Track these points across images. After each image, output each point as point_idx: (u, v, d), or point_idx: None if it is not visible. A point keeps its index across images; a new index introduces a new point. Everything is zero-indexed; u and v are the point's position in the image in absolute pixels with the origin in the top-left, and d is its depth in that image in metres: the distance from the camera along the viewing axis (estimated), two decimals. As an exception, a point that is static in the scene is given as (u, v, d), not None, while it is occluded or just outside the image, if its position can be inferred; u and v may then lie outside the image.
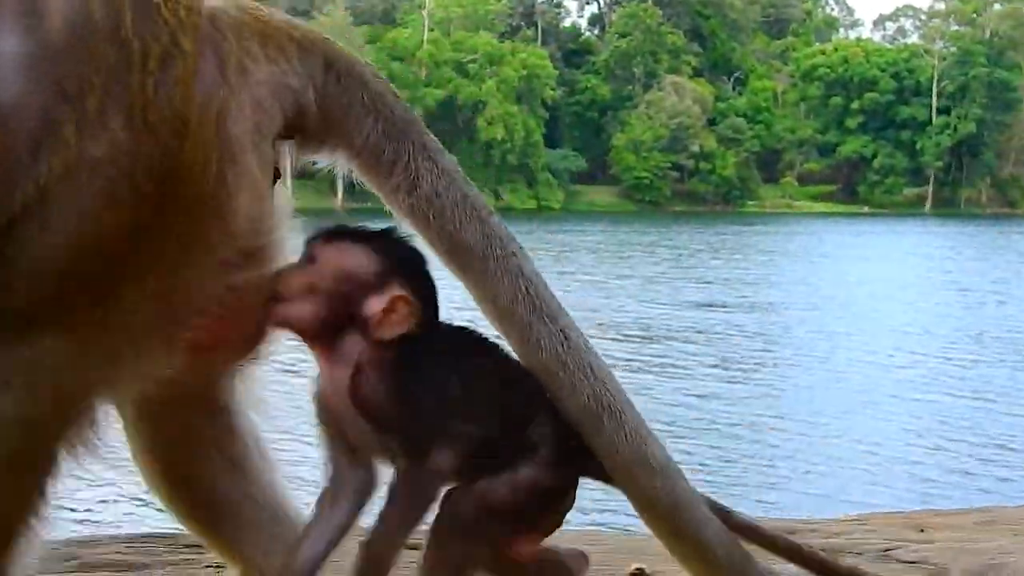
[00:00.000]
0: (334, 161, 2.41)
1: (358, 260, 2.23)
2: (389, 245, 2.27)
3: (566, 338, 2.35)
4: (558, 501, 2.30)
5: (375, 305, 2.20)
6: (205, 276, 2.17)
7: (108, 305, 2.10)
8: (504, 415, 2.25)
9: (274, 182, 2.29)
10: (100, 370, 2.14)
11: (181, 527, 2.61)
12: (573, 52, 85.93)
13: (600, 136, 79.87)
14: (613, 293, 29.53)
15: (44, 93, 2.00)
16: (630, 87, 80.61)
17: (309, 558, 2.20)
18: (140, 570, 3.20)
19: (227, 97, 2.13)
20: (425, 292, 2.25)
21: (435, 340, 2.25)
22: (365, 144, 2.36)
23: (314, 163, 2.44)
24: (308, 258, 2.24)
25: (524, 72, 75.53)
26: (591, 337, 2.43)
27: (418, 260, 2.29)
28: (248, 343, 2.30)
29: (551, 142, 77.38)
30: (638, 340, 22.25)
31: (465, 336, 2.29)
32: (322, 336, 2.23)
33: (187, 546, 3.27)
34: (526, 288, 2.36)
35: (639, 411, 2.38)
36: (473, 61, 75.75)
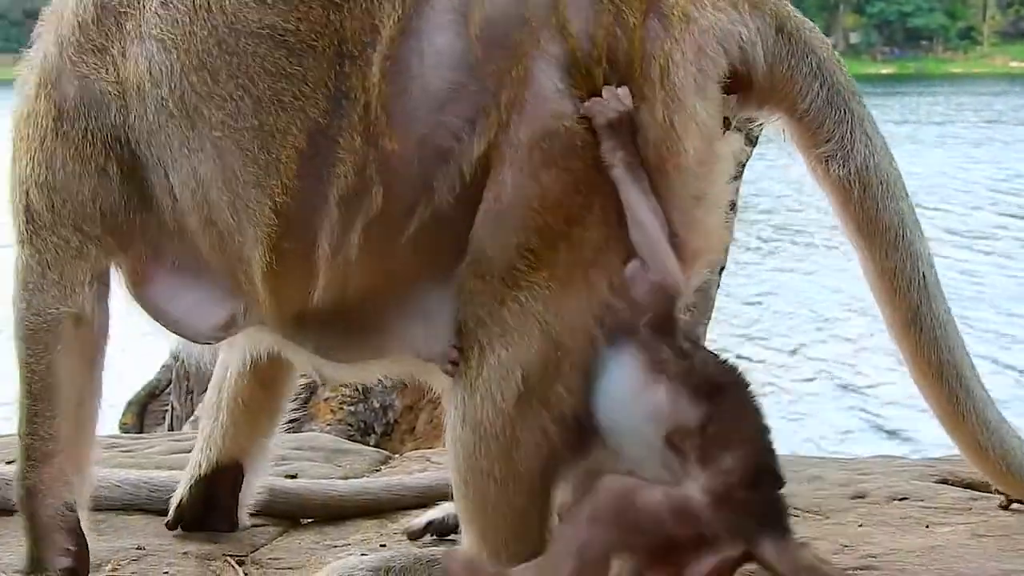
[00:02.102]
0: (770, 122, 2.49)
1: None
2: None
3: (946, 325, 2.50)
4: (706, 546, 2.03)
5: None
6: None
7: (573, 248, 2.23)
8: None
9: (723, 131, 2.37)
10: (581, 307, 2.25)
11: None
12: None
13: None
14: None
15: (474, 83, 2.20)
16: None
17: None
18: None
19: (671, 49, 2.23)
20: None
21: None
22: (808, 110, 2.41)
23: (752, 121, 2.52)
24: None
25: None
26: None
27: None
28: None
29: None
30: None
31: None
32: None
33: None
34: (924, 274, 2.47)
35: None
36: None
